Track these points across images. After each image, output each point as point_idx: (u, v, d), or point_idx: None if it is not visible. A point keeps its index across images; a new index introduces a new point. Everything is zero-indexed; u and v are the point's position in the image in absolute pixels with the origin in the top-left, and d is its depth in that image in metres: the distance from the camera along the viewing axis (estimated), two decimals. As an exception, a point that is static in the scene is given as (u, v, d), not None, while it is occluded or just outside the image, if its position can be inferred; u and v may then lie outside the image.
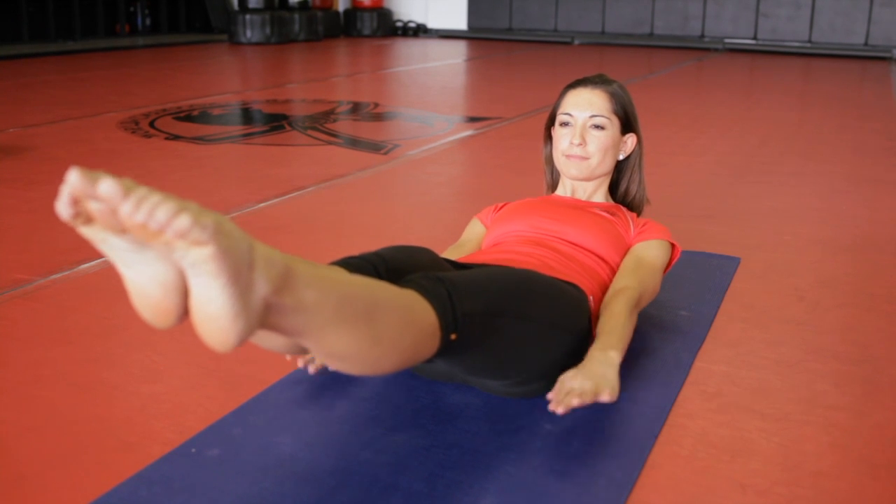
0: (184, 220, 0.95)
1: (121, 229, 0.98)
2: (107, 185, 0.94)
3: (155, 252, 1.00)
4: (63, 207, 0.96)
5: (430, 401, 1.66)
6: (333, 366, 1.27)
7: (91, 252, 2.54)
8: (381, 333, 1.24)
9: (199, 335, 1.05)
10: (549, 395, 1.48)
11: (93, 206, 0.96)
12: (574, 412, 1.60)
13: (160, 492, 1.36)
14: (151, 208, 0.95)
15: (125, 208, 0.94)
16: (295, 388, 1.72)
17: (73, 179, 0.94)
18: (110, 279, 2.37)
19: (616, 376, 1.54)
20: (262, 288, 1.07)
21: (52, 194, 3.23)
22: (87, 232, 1.00)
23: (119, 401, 1.70)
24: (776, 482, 1.42)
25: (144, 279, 1.03)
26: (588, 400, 1.46)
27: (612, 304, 1.75)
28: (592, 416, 1.61)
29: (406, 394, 1.68)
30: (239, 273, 1.03)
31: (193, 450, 1.48)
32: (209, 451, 1.48)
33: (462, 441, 1.51)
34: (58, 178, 3.14)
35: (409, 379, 1.74)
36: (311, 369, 1.70)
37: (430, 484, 1.38)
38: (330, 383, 1.73)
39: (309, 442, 1.51)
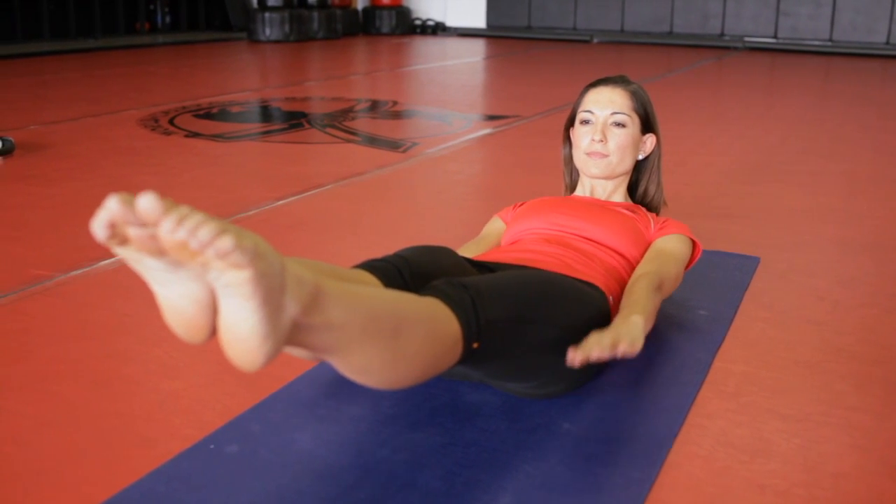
0: (226, 242, 0.95)
1: (157, 251, 0.97)
2: (147, 201, 0.93)
3: (189, 272, 1.00)
4: (99, 230, 0.95)
5: (448, 399, 1.66)
6: (357, 380, 1.28)
7: (110, 249, 2.55)
8: (405, 347, 1.24)
9: (227, 354, 1.06)
10: (571, 352, 1.46)
11: (130, 231, 0.96)
12: (593, 412, 1.60)
13: (179, 487, 1.37)
14: (194, 227, 0.94)
15: (166, 225, 0.94)
16: (313, 385, 1.72)
17: (112, 206, 0.93)
18: (129, 276, 2.38)
19: (640, 334, 1.53)
20: (291, 309, 1.07)
21: (72, 191, 3.27)
22: (121, 252, 0.99)
23: (138, 396, 1.71)
24: (795, 483, 1.41)
25: (177, 297, 1.03)
26: (607, 351, 1.45)
27: (634, 285, 1.76)
28: (611, 415, 1.61)
29: (424, 392, 1.68)
30: (271, 295, 1.02)
31: (212, 446, 1.49)
32: (228, 448, 1.48)
33: (480, 439, 1.51)
34: (77, 175, 3.16)
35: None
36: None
37: (447, 482, 1.38)
38: (348, 382, 1.72)
39: (327, 439, 1.52)
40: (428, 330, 1.30)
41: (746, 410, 1.65)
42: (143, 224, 0.95)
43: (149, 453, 1.47)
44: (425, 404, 1.64)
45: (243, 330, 1.03)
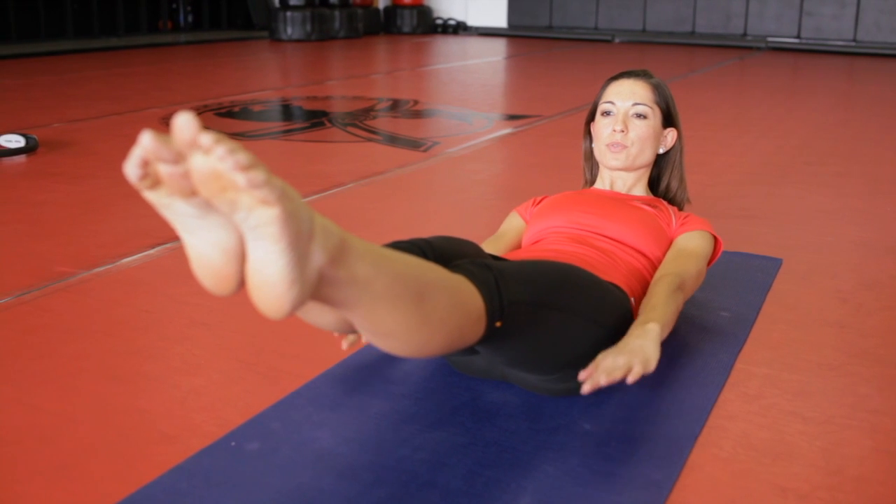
0: (259, 173, 0.95)
1: (188, 192, 0.97)
2: (185, 120, 0.92)
3: (218, 217, 1.00)
4: (132, 169, 0.95)
5: (468, 398, 1.66)
6: (379, 344, 1.27)
7: (133, 246, 2.57)
8: (429, 313, 1.24)
9: (254, 301, 1.05)
10: (582, 375, 1.47)
11: (162, 169, 0.96)
12: (614, 413, 1.60)
13: (199, 484, 1.38)
14: (229, 150, 0.93)
15: (203, 141, 0.93)
16: (334, 384, 1.73)
17: (146, 141, 0.93)
18: (152, 273, 2.40)
19: (654, 347, 1.53)
20: (318, 258, 1.07)
21: (95, 189, 3.28)
22: (152, 196, 0.99)
23: (160, 393, 1.72)
24: (817, 486, 1.40)
25: (206, 245, 1.03)
26: (618, 376, 1.45)
27: (654, 287, 1.76)
28: (632, 416, 1.60)
29: (445, 391, 1.68)
30: (299, 239, 1.02)
31: (233, 443, 1.49)
32: (248, 445, 1.49)
33: (500, 439, 1.51)
34: (100, 173, 3.17)
35: (447, 376, 1.74)
36: (345, 344, 1.70)
37: (468, 481, 1.38)
38: (369, 380, 1.73)
39: (347, 438, 1.52)
40: (453, 300, 1.29)
41: (768, 412, 1.64)
42: (176, 159, 0.94)
43: (170, 450, 1.48)
44: (446, 403, 1.64)
45: (271, 273, 1.02)
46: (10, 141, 4.01)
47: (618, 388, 1.69)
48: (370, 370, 1.76)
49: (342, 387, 1.71)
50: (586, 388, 1.44)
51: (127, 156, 0.96)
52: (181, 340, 1.93)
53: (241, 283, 1.06)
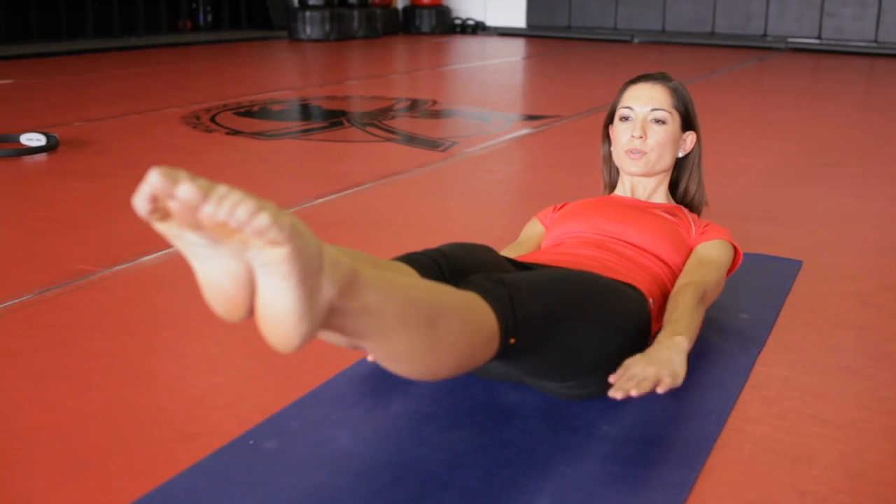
0: (263, 219, 0.96)
1: (197, 226, 0.98)
2: (186, 188, 0.94)
3: (228, 248, 1.01)
4: (141, 204, 0.96)
5: (486, 399, 1.65)
6: (391, 368, 1.28)
7: (152, 244, 2.58)
8: (441, 337, 1.24)
9: (263, 335, 1.06)
10: (612, 378, 1.47)
11: (171, 204, 0.97)
12: (632, 414, 1.59)
13: (218, 482, 1.38)
14: (232, 206, 0.95)
15: (206, 208, 0.95)
16: (352, 383, 1.73)
17: (154, 179, 0.94)
18: (171, 271, 2.41)
19: (683, 362, 1.53)
20: (328, 290, 1.08)
21: (115, 186, 3.29)
22: (162, 228, 1.00)
23: (179, 391, 1.72)
24: (837, 490, 1.39)
25: (217, 273, 1.04)
26: (647, 388, 1.45)
27: (678, 297, 1.75)
28: (650, 418, 1.60)
29: (462, 391, 1.68)
30: (308, 275, 1.03)
31: (251, 441, 1.50)
32: (267, 444, 1.49)
33: (518, 440, 1.51)
34: (120, 171, 3.18)
35: (465, 377, 1.74)
36: (371, 357, 1.71)
37: (485, 482, 1.38)
38: (387, 379, 1.73)
39: (365, 437, 1.52)
40: (465, 321, 1.29)
41: (788, 415, 1.63)
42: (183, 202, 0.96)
43: (188, 448, 1.49)
44: (464, 403, 1.63)
45: (280, 310, 1.03)
46: (31, 139, 4.04)
47: (636, 389, 1.69)
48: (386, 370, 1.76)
49: (360, 386, 1.72)
50: (616, 395, 1.44)
51: (137, 189, 0.97)
52: (200, 339, 1.94)
53: (252, 311, 1.07)
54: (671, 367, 1.51)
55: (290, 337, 1.05)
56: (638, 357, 1.52)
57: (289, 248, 0.99)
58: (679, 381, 1.50)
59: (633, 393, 1.44)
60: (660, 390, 1.47)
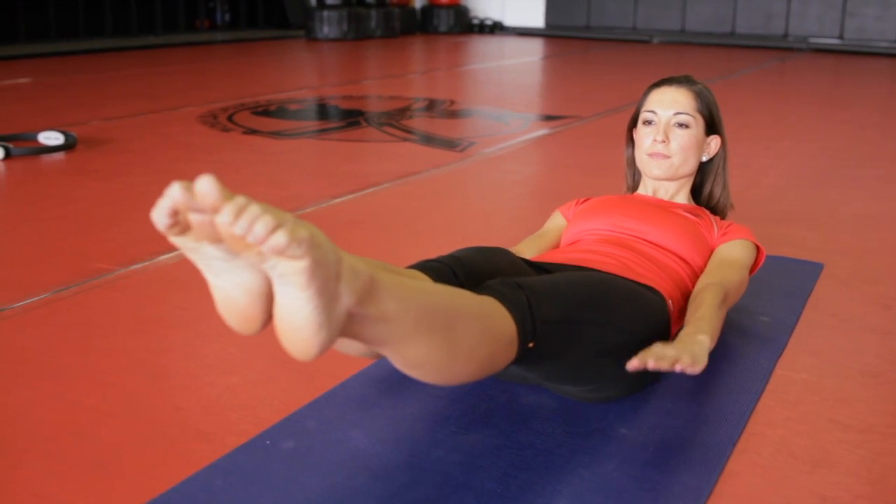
0: (281, 238, 0.95)
1: (216, 238, 0.98)
2: (206, 184, 0.93)
3: (245, 260, 1.01)
4: (160, 218, 0.96)
5: (503, 401, 1.64)
6: (411, 374, 1.28)
7: (169, 244, 2.57)
8: (460, 343, 1.24)
9: (282, 343, 1.06)
10: (631, 362, 1.42)
11: (192, 217, 0.96)
12: (650, 418, 1.58)
13: (235, 482, 1.38)
14: (250, 221, 0.94)
15: (223, 218, 0.94)
16: (369, 384, 1.72)
17: (175, 193, 0.94)
18: (188, 270, 2.40)
19: (704, 356, 1.49)
20: (346, 299, 1.08)
21: (132, 185, 3.30)
22: (179, 241, 1.00)
23: (195, 391, 1.72)
24: (858, 496, 1.38)
25: (232, 287, 1.04)
26: (666, 365, 1.41)
27: (700, 297, 1.72)
28: (669, 421, 1.58)
29: (479, 393, 1.67)
30: (326, 284, 1.03)
31: (268, 441, 1.49)
32: (283, 444, 1.49)
33: (536, 442, 1.50)
34: (137, 170, 3.19)
35: (482, 379, 1.73)
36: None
37: (502, 484, 1.37)
38: (404, 381, 1.72)
39: (382, 438, 1.51)
40: (483, 327, 1.29)
41: (808, 420, 1.61)
42: (205, 210, 0.95)
43: (205, 447, 1.48)
44: (481, 405, 1.63)
45: (298, 319, 1.03)
46: (49, 138, 4.06)
47: (655, 393, 1.67)
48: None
49: (377, 387, 1.71)
50: (633, 364, 1.41)
51: (166, 188, 0.96)
52: (217, 338, 1.94)
53: (266, 323, 1.07)
54: (691, 351, 1.47)
55: (309, 345, 1.05)
56: (659, 343, 1.49)
57: (307, 260, 0.99)
58: (698, 367, 1.46)
59: (650, 364, 1.40)
60: (678, 368, 1.43)
